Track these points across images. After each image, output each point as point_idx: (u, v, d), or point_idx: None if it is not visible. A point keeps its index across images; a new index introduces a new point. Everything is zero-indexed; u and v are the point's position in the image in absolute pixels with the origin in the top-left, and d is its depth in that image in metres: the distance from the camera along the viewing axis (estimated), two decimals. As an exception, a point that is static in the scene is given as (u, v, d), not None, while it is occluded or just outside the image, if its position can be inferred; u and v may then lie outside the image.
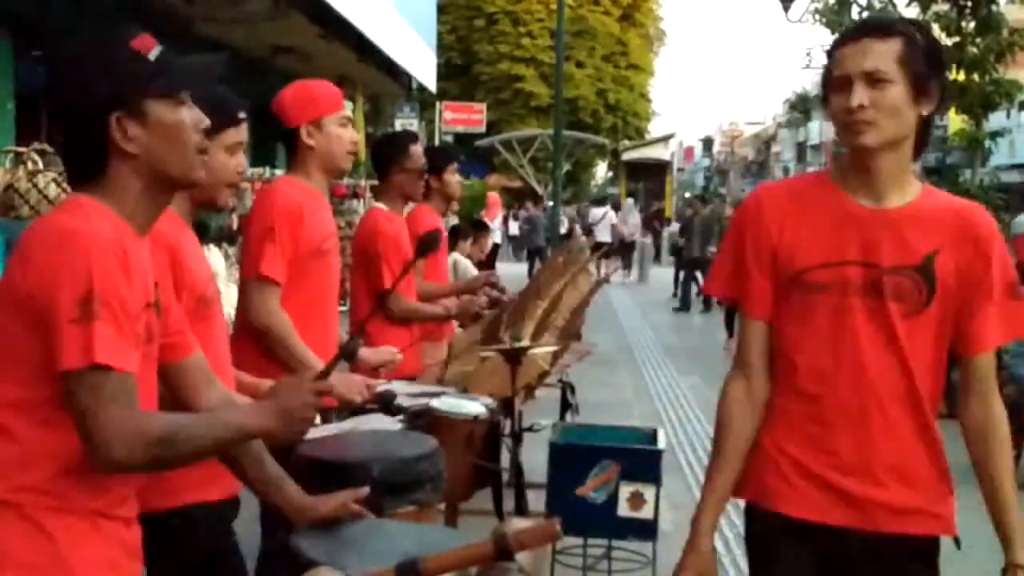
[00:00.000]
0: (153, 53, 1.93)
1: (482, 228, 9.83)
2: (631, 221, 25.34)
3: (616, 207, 27.16)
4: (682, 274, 18.39)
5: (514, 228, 29.20)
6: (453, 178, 5.29)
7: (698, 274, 17.44)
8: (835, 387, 2.27)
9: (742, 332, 2.40)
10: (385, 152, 4.70)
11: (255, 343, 3.31)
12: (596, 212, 25.70)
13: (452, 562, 1.91)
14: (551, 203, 22.12)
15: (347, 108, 3.79)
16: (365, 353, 3.78)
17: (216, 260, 6.95)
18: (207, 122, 2.02)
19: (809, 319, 2.28)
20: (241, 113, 2.70)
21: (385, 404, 3.32)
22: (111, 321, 1.78)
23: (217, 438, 1.94)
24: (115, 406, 1.79)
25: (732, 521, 5.49)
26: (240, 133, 2.70)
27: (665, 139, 39.87)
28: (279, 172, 8.67)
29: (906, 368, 2.25)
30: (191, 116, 1.97)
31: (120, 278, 1.81)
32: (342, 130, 3.49)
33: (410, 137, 4.87)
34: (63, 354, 1.77)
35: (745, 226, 2.37)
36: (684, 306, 17.85)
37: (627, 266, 24.78)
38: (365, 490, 2.25)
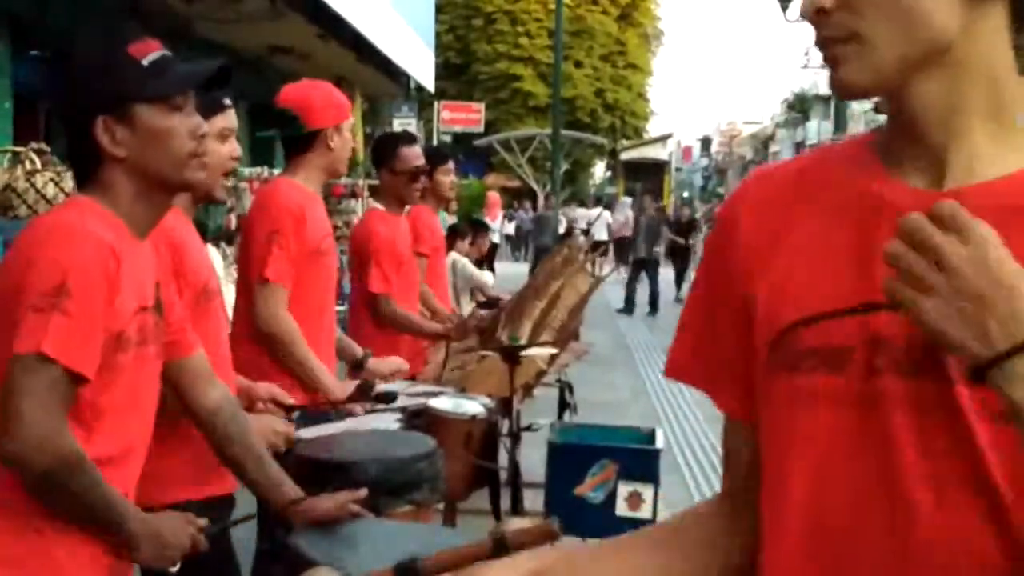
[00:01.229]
0: (149, 58, 1.93)
1: (480, 228, 9.83)
2: (618, 218, 25.37)
3: (608, 206, 27.27)
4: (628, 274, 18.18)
5: (509, 228, 29.18)
6: (445, 179, 5.28)
7: (644, 275, 17.43)
8: (855, 559, 1.06)
9: (723, 437, 1.31)
10: (376, 153, 4.71)
11: (255, 345, 3.31)
12: (579, 213, 25.77)
13: (451, 562, 1.91)
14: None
15: (346, 109, 3.80)
16: (373, 364, 3.78)
17: (214, 260, 6.95)
18: (205, 128, 2.02)
19: (799, 421, 1.11)
20: (225, 100, 2.71)
21: (385, 400, 3.31)
22: (76, 318, 1.77)
23: (100, 508, 1.86)
24: (43, 403, 1.77)
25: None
26: (228, 119, 2.71)
27: (663, 139, 39.95)
28: (277, 172, 8.70)
29: (1002, 522, 1.00)
30: (186, 122, 1.97)
31: (99, 279, 1.81)
32: (349, 135, 3.55)
33: (404, 139, 4.84)
34: (16, 339, 1.76)
35: (713, 254, 1.27)
36: (627, 308, 17.32)
37: (623, 261, 24.83)
38: (363, 492, 2.25)
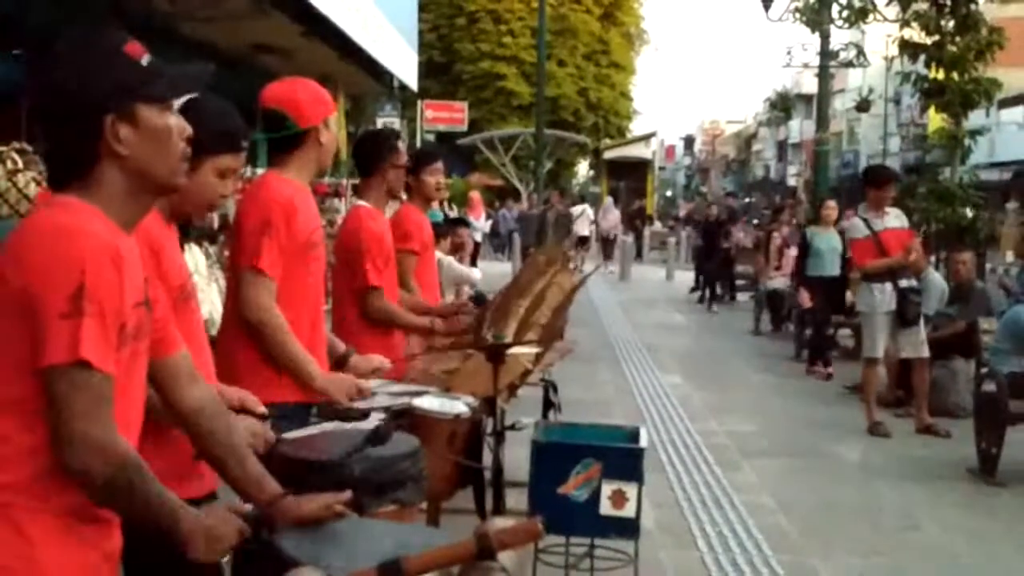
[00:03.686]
0: (145, 59, 1.97)
1: (459, 224, 9.84)
2: (610, 217, 25.96)
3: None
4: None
5: (486, 226, 29.27)
6: (431, 179, 5.24)
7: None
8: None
9: None
10: (375, 149, 4.69)
11: (245, 336, 3.33)
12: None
13: (434, 561, 1.91)
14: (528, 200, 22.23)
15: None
16: (356, 361, 3.79)
17: (197, 259, 6.93)
18: (189, 130, 2.05)
19: None
20: (243, 143, 2.73)
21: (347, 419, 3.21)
22: (99, 319, 1.80)
23: (158, 507, 1.89)
24: (93, 412, 1.80)
25: (715, 520, 5.52)
26: (237, 160, 2.73)
27: (646, 138, 40.00)
28: (260, 171, 8.68)
29: None
30: (177, 122, 2.01)
31: (112, 278, 1.83)
32: (336, 128, 3.61)
33: (396, 134, 4.94)
34: (48, 348, 1.78)
35: None
36: None
37: (608, 256, 25.04)
38: (348, 494, 2.25)
